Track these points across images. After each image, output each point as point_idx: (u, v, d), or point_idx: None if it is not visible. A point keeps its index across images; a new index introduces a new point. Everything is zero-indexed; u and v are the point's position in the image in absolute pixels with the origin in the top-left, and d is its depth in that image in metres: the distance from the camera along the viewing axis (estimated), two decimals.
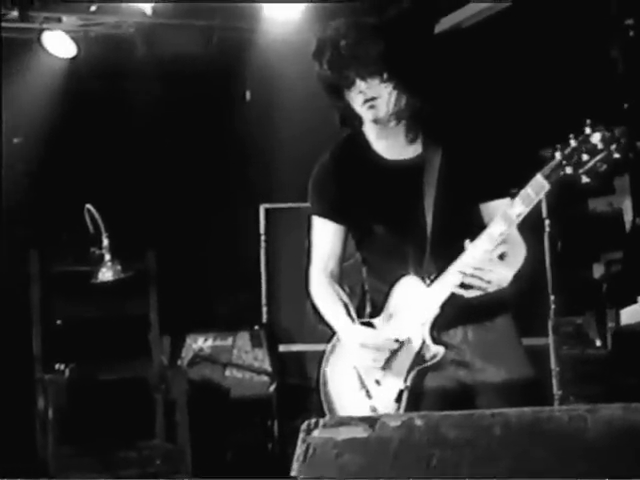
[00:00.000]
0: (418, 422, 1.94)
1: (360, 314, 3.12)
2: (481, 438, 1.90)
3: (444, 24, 6.17)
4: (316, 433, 2.01)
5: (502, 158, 3.04)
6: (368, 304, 3.19)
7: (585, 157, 2.47)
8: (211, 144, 6.98)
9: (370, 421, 1.99)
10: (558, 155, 2.50)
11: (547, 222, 5.61)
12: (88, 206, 5.12)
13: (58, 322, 6.03)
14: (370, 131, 3.02)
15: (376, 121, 2.90)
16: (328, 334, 5.59)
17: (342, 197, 3.06)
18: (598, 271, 5.52)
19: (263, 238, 6.38)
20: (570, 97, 5.55)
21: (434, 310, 2.86)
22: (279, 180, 6.82)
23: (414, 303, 2.92)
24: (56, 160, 6.55)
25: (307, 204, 6.14)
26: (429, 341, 2.87)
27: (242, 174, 6.94)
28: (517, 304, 3.07)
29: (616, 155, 2.45)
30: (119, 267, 5.25)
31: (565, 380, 5.49)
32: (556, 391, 5.46)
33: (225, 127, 6.96)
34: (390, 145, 3.01)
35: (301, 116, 6.73)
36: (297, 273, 6.17)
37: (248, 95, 6.94)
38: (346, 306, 3.11)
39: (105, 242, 5.18)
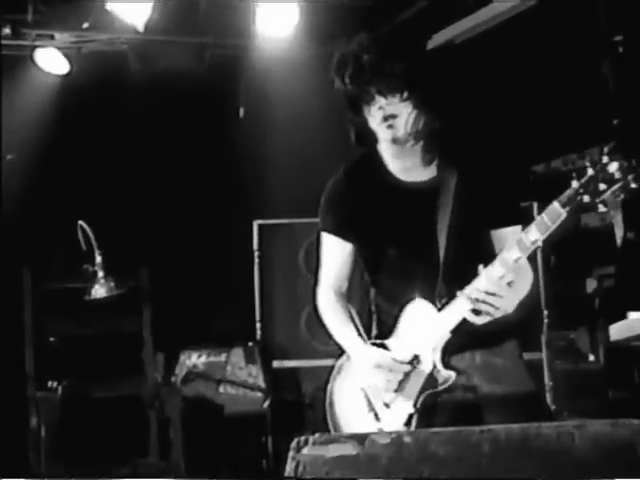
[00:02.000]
0: (407, 439, 1.94)
1: (366, 335, 3.11)
2: (470, 454, 1.90)
3: (437, 40, 6.18)
4: (305, 450, 2.01)
5: (516, 185, 3.05)
6: (374, 325, 3.18)
7: (602, 186, 2.48)
8: (204, 160, 6.98)
9: (359, 438, 1.99)
10: (575, 183, 2.51)
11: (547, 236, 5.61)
12: (81, 223, 5.10)
13: (51, 339, 6.02)
14: (386, 151, 3.00)
15: (394, 140, 2.88)
16: (322, 350, 5.61)
17: (354, 216, 3.05)
18: (591, 286, 5.53)
19: (257, 254, 6.36)
20: (560, 113, 5.58)
21: (445, 335, 2.86)
22: (272, 196, 6.82)
23: (425, 327, 2.91)
24: (48, 177, 6.54)
25: (300, 220, 6.20)
26: (440, 366, 2.87)
27: (235, 190, 6.94)
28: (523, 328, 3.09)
29: (633, 185, 2.46)
30: (112, 284, 5.23)
31: (559, 395, 5.49)
32: (550, 405, 5.46)
33: (218, 143, 6.97)
34: (406, 166, 2.99)
35: (294, 133, 6.75)
36: (291, 289, 6.25)
37: (241, 112, 6.94)
38: (357, 326, 3.11)
39: (98, 259, 5.17)
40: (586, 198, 2.50)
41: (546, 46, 5.56)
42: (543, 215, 2.59)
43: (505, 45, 5.86)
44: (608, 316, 4.81)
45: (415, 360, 2.92)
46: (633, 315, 4.19)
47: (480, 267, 2.74)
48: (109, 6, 5.81)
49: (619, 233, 5.26)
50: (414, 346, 2.94)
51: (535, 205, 5.05)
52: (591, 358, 5.28)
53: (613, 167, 2.46)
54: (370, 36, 2.86)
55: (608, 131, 5.01)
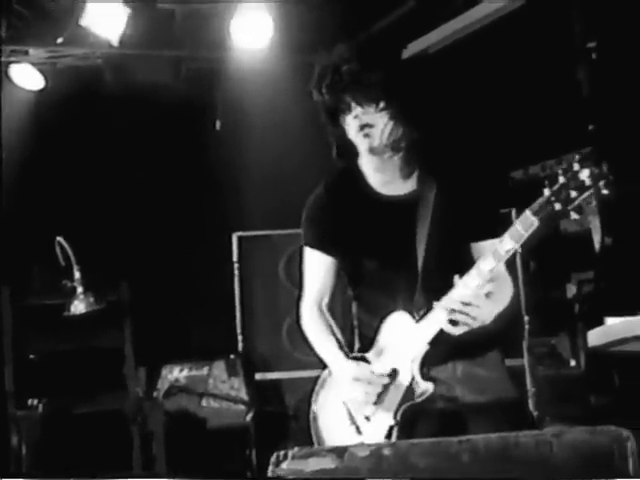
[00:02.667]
0: (386, 451, 1.94)
1: (349, 349, 3.13)
2: (450, 465, 1.90)
3: (411, 49, 6.19)
4: (285, 465, 2.01)
5: (495, 197, 3.05)
6: (357, 339, 3.18)
7: (574, 194, 2.49)
8: (182, 174, 6.97)
9: (339, 452, 1.99)
10: (547, 191, 2.52)
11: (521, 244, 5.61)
12: (59, 238, 5.08)
13: (31, 357, 5.98)
14: (366, 164, 3.01)
15: (371, 150, 2.89)
16: (304, 361, 5.60)
17: (335, 230, 3.06)
18: (571, 291, 5.54)
19: (236, 266, 6.35)
20: (538, 120, 5.60)
21: (423, 346, 2.86)
22: (251, 208, 6.81)
23: (404, 339, 2.92)
24: (25, 192, 6.50)
25: (280, 231, 6.20)
26: (419, 377, 2.88)
27: (214, 203, 6.93)
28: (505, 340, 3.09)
29: (604, 191, 2.46)
30: (92, 299, 5.20)
31: (541, 400, 5.49)
32: (532, 412, 5.47)
33: (196, 156, 6.96)
34: (385, 180, 3.00)
35: (272, 144, 6.75)
36: (272, 300, 6.24)
37: (218, 124, 6.93)
38: (338, 340, 3.13)
39: (77, 274, 5.14)
40: (557, 206, 2.51)
41: (521, 53, 5.58)
42: (516, 224, 2.60)
43: (480, 53, 5.88)
44: (588, 321, 4.82)
45: (394, 372, 2.92)
46: (610, 321, 4.19)
47: (456, 277, 2.74)
48: (83, 21, 5.79)
49: (597, 238, 5.28)
50: (393, 358, 2.95)
51: (514, 212, 5.06)
52: (572, 363, 5.29)
53: (584, 174, 2.47)
54: (350, 46, 2.88)
55: (585, 137, 5.03)
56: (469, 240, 2.99)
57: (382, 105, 2.81)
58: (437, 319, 2.80)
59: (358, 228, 3.03)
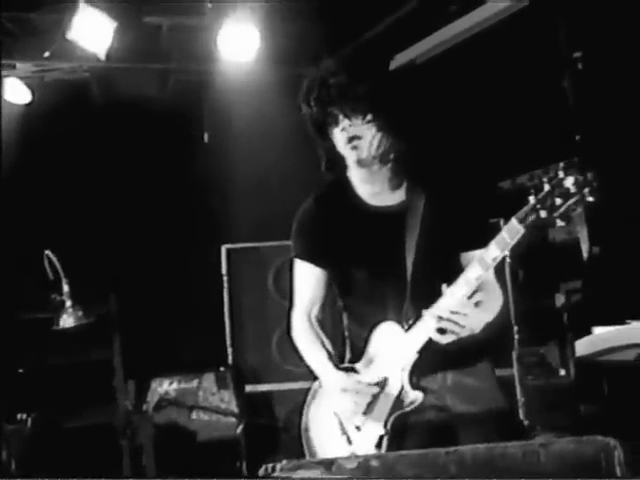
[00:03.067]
0: (374, 463, 1.93)
1: (340, 360, 3.14)
2: (437, 476, 1.89)
3: (399, 60, 6.21)
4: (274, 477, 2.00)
5: (484, 207, 3.07)
6: (348, 350, 3.19)
7: (559, 201, 2.51)
8: (171, 186, 6.96)
9: (327, 464, 1.98)
10: (532, 199, 2.54)
11: (507, 252, 5.61)
12: (47, 252, 5.07)
13: (20, 371, 5.96)
14: (355, 175, 3.03)
15: (360, 162, 2.90)
16: (294, 373, 5.59)
17: (325, 241, 3.07)
18: (560, 300, 5.55)
19: (225, 278, 6.34)
20: (525, 129, 5.61)
21: (413, 355, 2.87)
22: (239, 220, 6.81)
23: (393, 348, 2.93)
24: (12, 206, 6.49)
25: (268, 243, 6.20)
26: (408, 387, 2.89)
27: (202, 215, 6.93)
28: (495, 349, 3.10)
29: (589, 198, 2.48)
30: (80, 313, 5.19)
31: (531, 410, 5.49)
32: (523, 421, 5.47)
33: (184, 169, 6.96)
34: (374, 191, 3.02)
35: (259, 156, 6.76)
36: (261, 312, 6.23)
37: (206, 136, 6.94)
38: (328, 351, 3.13)
39: (65, 288, 5.13)
40: (543, 213, 2.52)
41: (507, 64, 5.60)
42: (503, 232, 2.62)
43: (467, 64, 5.90)
44: (576, 331, 4.84)
45: (384, 382, 2.93)
46: (597, 330, 4.21)
47: (444, 286, 2.75)
48: (70, 35, 5.78)
49: (585, 247, 5.29)
50: (383, 368, 2.96)
51: (502, 222, 5.06)
52: (562, 373, 5.30)
53: (569, 182, 2.49)
54: (336, 60, 2.91)
55: (573, 146, 5.06)
56: (458, 250, 3.00)
57: (369, 117, 2.83)
58: (425, 328, 2.81)
59: (348, 239, 3.04)
